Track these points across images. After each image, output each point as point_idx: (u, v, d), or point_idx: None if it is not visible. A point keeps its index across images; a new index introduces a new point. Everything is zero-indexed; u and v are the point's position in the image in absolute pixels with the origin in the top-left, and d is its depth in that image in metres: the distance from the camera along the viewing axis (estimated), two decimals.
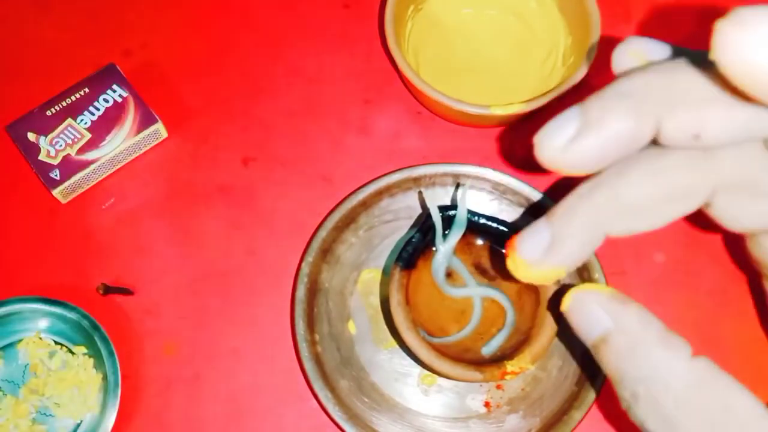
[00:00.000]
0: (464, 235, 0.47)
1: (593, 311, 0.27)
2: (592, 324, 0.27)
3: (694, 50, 0.26)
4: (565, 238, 0.26)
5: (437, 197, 0.53)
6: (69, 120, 0.55)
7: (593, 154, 0.24)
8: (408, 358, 0.50)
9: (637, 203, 0.25)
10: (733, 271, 0.54)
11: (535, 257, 0.27)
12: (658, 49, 0.27)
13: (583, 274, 0.51)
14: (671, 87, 0.24)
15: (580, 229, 0.26)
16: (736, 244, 0.54)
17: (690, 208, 0.26)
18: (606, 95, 0.24)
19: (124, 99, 0.55)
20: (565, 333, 0.51)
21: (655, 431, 0.26)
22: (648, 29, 0.61)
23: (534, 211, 0.53)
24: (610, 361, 0.27)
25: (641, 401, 0.26)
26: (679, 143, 0.24)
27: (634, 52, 0.27)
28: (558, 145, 0.24)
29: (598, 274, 0.50)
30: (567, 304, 0.29)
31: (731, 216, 0.27)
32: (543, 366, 0.50)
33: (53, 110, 0.55)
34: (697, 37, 0.61)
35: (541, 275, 0.28)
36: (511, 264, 0.28)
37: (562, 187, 0.56)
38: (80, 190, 0.56)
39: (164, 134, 0.57)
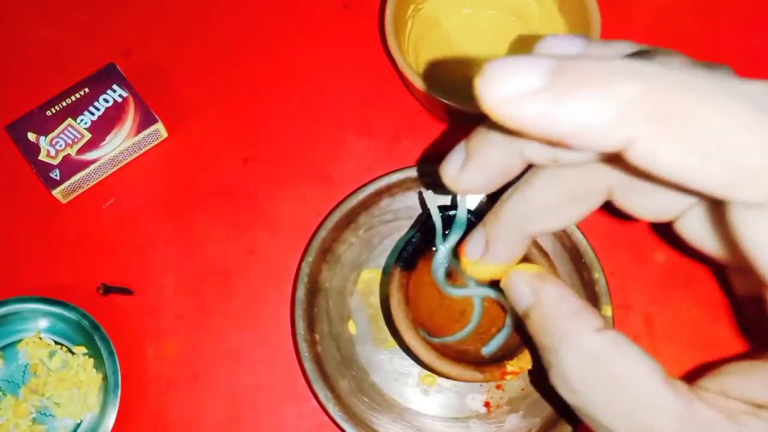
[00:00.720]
0: (464, 235, 0.47)
1: (520, 288, 0.31)
2: (521, 299, 0.31)
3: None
4: (495, 239, 0.31)
5: (437, 197, 0.53)
6: (69, 120, 0.55)
7: (477, 179, 0.28)
8: (408, 358, 0.50)
9: (545, 205, 0.29)
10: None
11: (476, 257, 0.33)
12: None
13: (583, 274, 0.51)
14: None
15: (505, 230, 0.31)
16: None
17: (592, 206, 0.29)
18: (480, 131, 0.28)
19: (124, 99, 0.55)
20: None
21: (566, 399, 0.28)
22: (648, 29, 0.61)
23: None
24: (532, 332, 0.30)
25: (552, 370, 0.29)
26: (549, 165, 0.27)
27: None
28: (452, 174, 0.29)
29: (598, 274, 0.50)
30: (503, 281, 0.33)
31: (637, 208, 0.29)
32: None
33: (53, 110, 0.55)
34: (697, 37, 0.61)
35: (484, 272, 0.33)
36: (462, 264, 0.35)
37: None
38: (80, 190, 0.56)
39: (164, 134, 0.57)
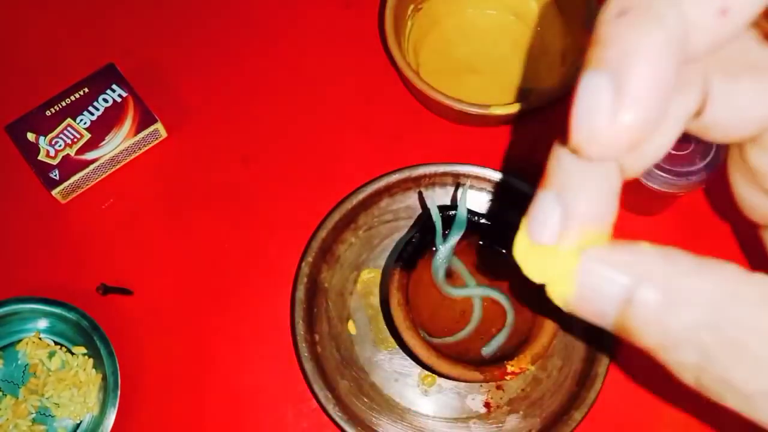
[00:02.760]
0: (464, 235, 0.47)
1: (601, 276, 0.19)
2: (604, 293, 0.19)
3: None
4: (577, 192, 0.20)
5: (437, 197, 0.53)
6: (68, 120, 0.55)
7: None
8: (408, 358, 0.50)
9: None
10: None
11: (552, 236, 0.20)
12: None
13: None
14: None
15: (589, 173, 0.20)
16: (735, 245, 0.54)
17: (693, 101, 0.20)
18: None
19: (124, 99, 0.55)
20: (566, 333, 0.51)
21: (742, 383, 0.18)
22: None
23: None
24: (648, 326, 0.19)
25: (715, 351, 0.18)
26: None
27: None
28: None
29: None
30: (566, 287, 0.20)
31: (726, 112, 0.21)
32: (543, 366, 0.50)
33: (53, 110, 0.55)
34: None
35: (567, 259, 0.20)
36: (522, 262, 0.21)
37: None
38: (80, 190, 0.56)
39: (164, 134, 0.57)
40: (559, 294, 0.20)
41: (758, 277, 0.19)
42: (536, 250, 0.20)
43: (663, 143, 0.21)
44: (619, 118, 0.17)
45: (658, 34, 0.17)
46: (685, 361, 0.19)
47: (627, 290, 0.19)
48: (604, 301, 0.19)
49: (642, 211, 0.55)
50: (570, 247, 0.19)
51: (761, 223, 0.23)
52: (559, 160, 0.20)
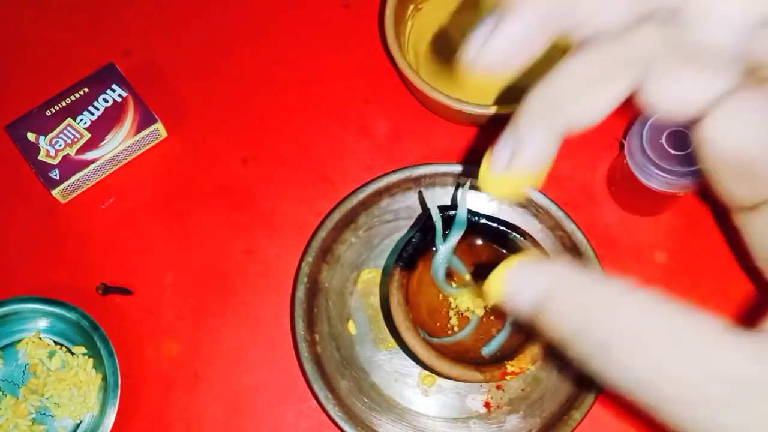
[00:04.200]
0: (464, 235, 0.47)
1: (525, 279, 0.26)
2: (526, 289, 0.25)
3: None
4: (524, 135, 0.27)
5: (437, 197, 0.53)
6: (68, 120, 0.55)
7: (503, 48, 0.27)
8: (408, 358, 0.50)
9: (577, 85, 0.27)
10: (733, 271, 0.54)
11: (503, 165, 0.28)
12: None
13: None
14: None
15: (535, 121, 0.27)
16: (735, 245, 0.54)
17: (626, 84, 0.26)
18: None
19: (124, 99, 0.55)
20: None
21: (636, 375, 0.24)
22: None
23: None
24: (561, 318, 0.25)
25: (614, 347, 0.24)
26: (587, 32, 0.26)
27: None
28: (477, 45, 0.28)
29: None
30: (498, 286, 0.26)
31: (665, 94, 0.25)
32: (543, 366, 0.50)
33: (53, 110, 0.55)
34: None
35: (511, 186, 0.28)
36: (483, 184, 0.28)
37: (563, 188, 0.56)
38: (80, 190, 0.56)
39: (164, 134, 0.57)
40: (495, 293, 0.26)
41: (648, 291, 0.24)
42: (492, 176, 0.28)
43: (602, 104, 0.27)
44: (489, 43, 0.27)
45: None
46: (583, 349, 0.25)
47: (546, 289, 0.25)
48: (524, 296, 0.25)
49: (642, 211, 0.55)
50: (514, 175, 0.28)
51: (733, 205, 0.26)
52: (523, 109, 0.27)
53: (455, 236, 0.47)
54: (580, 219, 0.52)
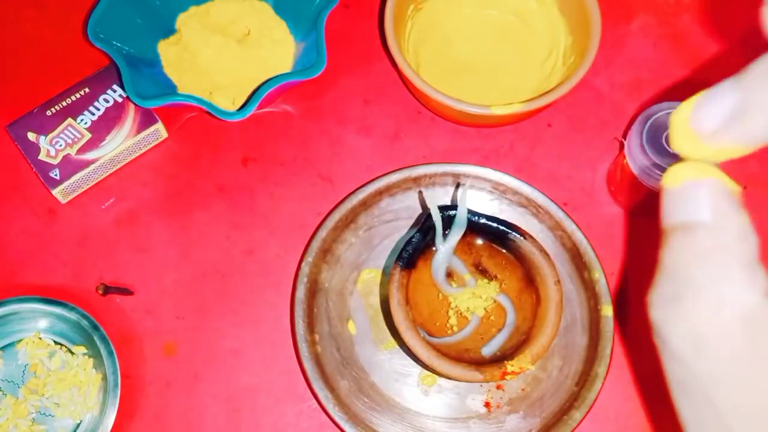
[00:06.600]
0: (464, 235, 0.47)
1: (698, 196, 0.23)
2: (688, 207, 0.23)
3: None
4: (759, 103, 0.21)
5: (437, 197, 0.53)
6: (69, 120, 0.55)
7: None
8: (408, 358, 0.50)
9: None
10: None
11: (713, 128, 0.22)
12: None
13: (583, 274, 0.51)
14: None
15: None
16: None
17: None
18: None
19: (125, 99, 0.55)
20: (566, 333, 0.51)
21: (676, 344, 0.22)
22: (648, 29, 0.61)
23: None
24: (680, 251, 0.22)
25: (681, 305, 0.22)
26: None
27: None
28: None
29: (598, 274, 0.50)
30: (672, 179, 0.24)
31: None
32: (543, 366, 0.50)
33: (53, 110, 0.55)
34: (697, 37, 0.61)
35: (714, 153, 0.22)
36: (676, 136, 0.23)
37: (563, 188, 0.56)
38: (80, 190, 0.56)
39: (164, 134, 0.57)
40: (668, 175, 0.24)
41: None
42: (693, 133, 0.22)
43: None
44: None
45: None
46: (663, 288, 0.23)
47: (699, 222, 0.22)
48: (680, 211, 0.23)
49: (642, 211, 0.55)
50: (725, 142, 0.21)
51: None
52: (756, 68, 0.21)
53: (455, 236, 0.47)
54: (580, 219, 0.52)
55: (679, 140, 0.23)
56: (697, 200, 0.22)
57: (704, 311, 0.21)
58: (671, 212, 0.23)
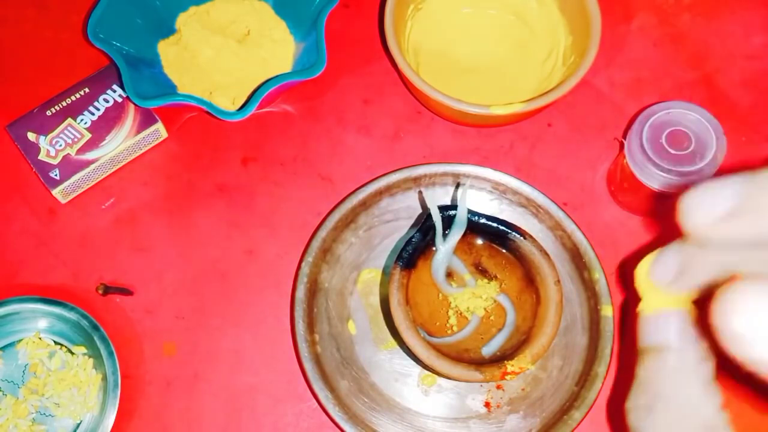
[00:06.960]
0: (464, 235, 0.47)
1: (668, 324, 0.27)
2: (659, 333, 0.28)
3: None
4: (696, 265, 0.26)
5: (437, 197, 0.53)
6: (69, 120, 0.55)
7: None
8: (408, 358, 0.50)
9: None
10: None
11: (667, 280, 0.27)
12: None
13: (583, 274, 0.51)
14: None
15: (714, 261, 0.25)
16: None
17: None
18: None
19: (124, 99, 0.55)
20: (566, 334, 0.51)
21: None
22: (648, 29, 0.61)
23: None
24: (652, 369, 0.28)
25: (652, 415, 0.27)
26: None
27: None
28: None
29: (598, 274, 0.50)
30: (647, 307, 0.29)
31: None
32: (543, 366, 0.50)
33: (53, 110, 0.55)
34: (697, 37, 0.61)
35: (674, 301, 0.28)
36: (641, 286, 0.29)
37: (563, 188, 0.56)
38: (80, 190, 0.56)
39: (164, 134, 0.57)
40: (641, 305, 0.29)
41: (724, 414, 0.26)
42: (653, 285, 0.28)
43: None
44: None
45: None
46: (637, 400, 0.29)
47: (668, 346, 0.27)
48: (652, 335, 0.28)
49: (642, 211, 0.55)
50: (671, 296, 0.27)
51: None
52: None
53: (455, 236, 0.47)
54: (580, 219, 0.52)
55: (643, 289, 0.29)
56: (667, 328, 0.27)
57: (672, 421, 0.26)
58: (645, 336, 0.28)
